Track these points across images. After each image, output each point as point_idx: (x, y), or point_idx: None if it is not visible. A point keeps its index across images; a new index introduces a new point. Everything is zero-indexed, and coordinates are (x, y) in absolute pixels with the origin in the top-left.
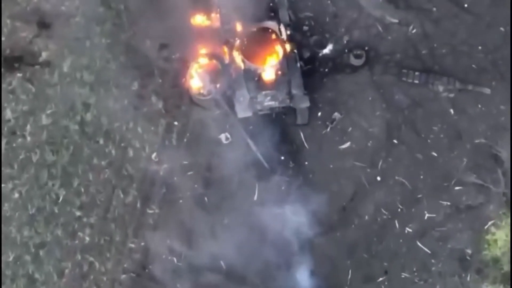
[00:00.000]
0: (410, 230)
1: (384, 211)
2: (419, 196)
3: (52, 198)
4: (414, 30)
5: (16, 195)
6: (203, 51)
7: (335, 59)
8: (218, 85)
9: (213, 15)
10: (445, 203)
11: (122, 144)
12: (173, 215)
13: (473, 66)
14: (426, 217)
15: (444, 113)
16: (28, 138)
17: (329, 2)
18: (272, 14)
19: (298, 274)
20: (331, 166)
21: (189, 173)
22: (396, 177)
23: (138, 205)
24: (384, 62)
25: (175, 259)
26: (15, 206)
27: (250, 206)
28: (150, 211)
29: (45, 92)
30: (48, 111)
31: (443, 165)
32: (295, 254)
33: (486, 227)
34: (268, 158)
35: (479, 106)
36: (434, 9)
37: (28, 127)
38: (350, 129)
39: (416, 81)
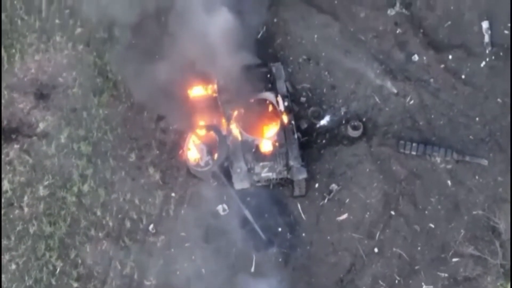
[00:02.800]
0: None
1: (382, 283)
2: (417, 267)
3: (49, 269)
4: (412, 101)
5: (13, 266)
6: (200, 122)
7: (332, 131)
8: (215, 157)
9: (210, 86)
10: (442, 274)
11: (120, 216)
12: (170, 286)
13: (471, 137)
14: None
15: (441, 185)
16: (26, 210)
17: (326, 73)
18: (270, 85)
19: None
20: (329, 237)
21: (187, 244)
22: (394, 249)
23: (136, 276)
24: (381, 133)
25: None
26: (12, 277)
27: (248, 277)
28: (148, 283)
29: (42, 163)
30: (46, 183)
31: (441, 237)
32: None
33: None
34: (266, 230)
35: (477, 177)
36: (432, 80)
37: (26, 198)
38: (347, 200)
39: (414, 153)
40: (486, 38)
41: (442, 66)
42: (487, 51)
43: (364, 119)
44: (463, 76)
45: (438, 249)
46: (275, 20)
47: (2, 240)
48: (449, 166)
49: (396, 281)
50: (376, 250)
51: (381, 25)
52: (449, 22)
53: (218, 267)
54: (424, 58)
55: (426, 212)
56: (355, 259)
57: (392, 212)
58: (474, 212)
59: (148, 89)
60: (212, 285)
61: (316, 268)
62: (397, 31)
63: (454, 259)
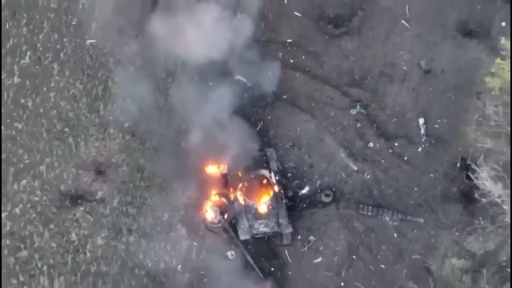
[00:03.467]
0: None
1: None
2: None
3: None
4: (368, 176)
5: None
6: (214, 191)
7: (310, 197)
8: (225, 216)
9: (222, 166)
10: None
11: (156, 259)
12: None
13: (411, 202)
14: None
15: (390, 237)
16: (88, 254)
17: (306, 156)
18: (265, 164)
19: None
20: (308, 275)
21: (205, 280)
22: (355, 283)
23: None
24: (346, 199)
25: None
26: None
27: None
28: None
29: (100, 221)
30: (102, 235)
31: (390, 275)
32: None
33: None
34: (262, 269)
35: (415, 231)
36: (383, 161)
37: (88, 246)
38: (321, 248)
39: (370, 213)
40: (422, 131)
41: (390, 150)
42: (422, 140)
43: (333, 189)
44: (405, 158)
45: (387, 283)
46: (269, 117)
47: (70, 276)
48: (395, 223)
49: None
50: (342, 284)
51: (346, 121)
52: (395, 119)
53: None
54: (377, 145)
55: (379, 256)
56: None
57: (354, 257)
58: (413, 257)
59: (176, 171)
60: None
61: None
62: (358, 125)
63: None
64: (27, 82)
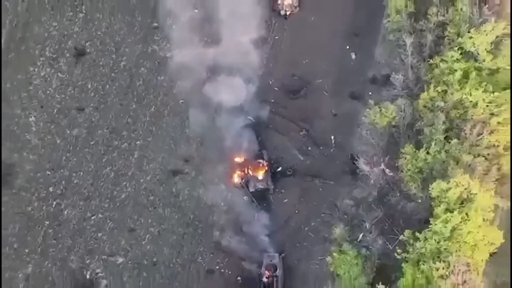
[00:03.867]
0: None
1: None
2: None
3: None
4: (308, 162)
5: None
6: (238, 171)
7: (282, 172)
8: (243, 181)
9: (240, 157)
10: None
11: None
12: None
13: (328, 174)
14: None
15: (316, 188)
16: None
17: (280, 154)
18: (262, 156)
19: None
20: (285, 201)
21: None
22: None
23: None
24: (298, 173)
25: None
26: None
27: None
28: None
29: None
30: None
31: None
32: None
33: None
34: (259, 204)
35: (328, 188)
36: (315, 155)
37: None
38: (286, 194)
39: (309, 179)
40: (333, 142)
41: (319, 151)
42: (333, 146)
43: (293, 167)
44: (325, 154)
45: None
46: (263, 136)
47: None
48: (319, 184)
49: None
50: (296, 211)
51: (299, 139)
52: (323, 137)
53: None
54: (314, 149)
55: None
56: None
57: (302, 199)
58: (329, 199)
59: (221, 159)
60: None
61: None
62: (304, 139)
63: None
64: None
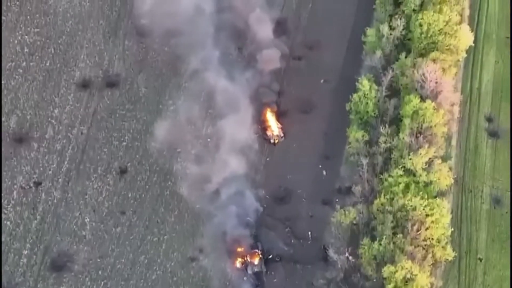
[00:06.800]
0: None
1: None
2: None
3: None
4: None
5: None
6: (239, 258)
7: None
8: (243, 265)
9: (242, 248)
10: None
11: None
12: None
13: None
14: None
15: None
16: None
17: (272, 248)
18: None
19: None
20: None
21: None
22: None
23: None
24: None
25: None
26: None
27: None
28: None
29: None
30: None
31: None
32: None
33: None
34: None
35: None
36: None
37: None
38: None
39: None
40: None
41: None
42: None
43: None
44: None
45: None
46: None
47: None
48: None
49: None
50: None
51: None
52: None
53: None
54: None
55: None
56: None
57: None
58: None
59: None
60: None
61: None
62: None
63: None
64: None
